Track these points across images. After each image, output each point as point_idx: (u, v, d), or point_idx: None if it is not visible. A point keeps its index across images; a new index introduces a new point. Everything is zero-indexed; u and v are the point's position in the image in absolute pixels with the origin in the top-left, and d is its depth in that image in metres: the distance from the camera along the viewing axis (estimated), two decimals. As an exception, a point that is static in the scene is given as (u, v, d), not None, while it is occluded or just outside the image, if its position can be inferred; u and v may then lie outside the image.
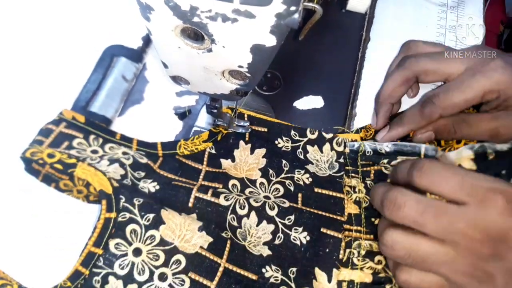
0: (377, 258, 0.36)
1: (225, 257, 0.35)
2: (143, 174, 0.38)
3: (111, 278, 0.33)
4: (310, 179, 0.40)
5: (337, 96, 0.46)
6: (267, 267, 0.36)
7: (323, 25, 0.49)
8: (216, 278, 0.34)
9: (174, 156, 0.39)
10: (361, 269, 0.36)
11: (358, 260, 0.36)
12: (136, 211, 0.35)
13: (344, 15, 0.53)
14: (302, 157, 0.41)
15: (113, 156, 0.38)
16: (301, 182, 0.40)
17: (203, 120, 0.43)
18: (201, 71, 0.29)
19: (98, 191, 0.35)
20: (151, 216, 0.35)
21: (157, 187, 0.37)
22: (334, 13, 0.52)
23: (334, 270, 0.36)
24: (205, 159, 0.40)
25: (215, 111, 0.39)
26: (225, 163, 0.40)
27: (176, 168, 0.39)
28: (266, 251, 0.36)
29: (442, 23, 0.52)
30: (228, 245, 0.36)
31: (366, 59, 0.48)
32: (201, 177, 0.39)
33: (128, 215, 0.35)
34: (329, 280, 0.35)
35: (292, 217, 0.37)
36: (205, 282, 0.34)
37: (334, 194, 0.39)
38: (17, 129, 0.39)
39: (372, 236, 0.37)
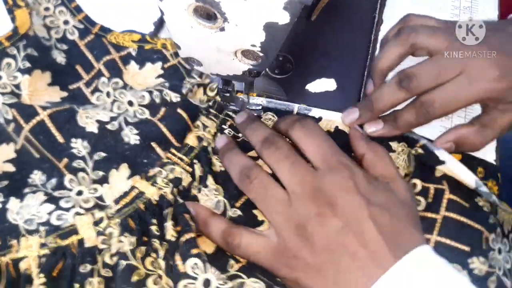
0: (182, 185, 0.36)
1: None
2: (66, 47, 0.42)
3: None
4: (178, 99, 0.39)
5: (350, 79, 0.46)
6: (78, 140, 0.37)
7: (335, 6, 0.49)
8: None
9: (101, 37, 0.42)
10: (159, 189, 0.36)
11: (162, 181, 0.36)
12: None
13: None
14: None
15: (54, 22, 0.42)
16: (168, 98, 0.39)
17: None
18: (213, 51, 0.29)
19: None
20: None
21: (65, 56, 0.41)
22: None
23: (138, 176, 0.36)
24: (123, 54, 0.42)
25: (227, 95, 0.39)
26: (133, 66, 0.41)
27: (95, 47, 0.42)
28: (95, 129, 0.37)
29: (456, 4, 0.51)
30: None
31: (379, 42, 0.47)
32: (93, 72, 0.41)
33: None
34: (128, 178, 0.36)
35: (136, 120, 0.38)
36: None
37: (189, 122, 0.39)
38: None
39: (190, 169, 0.37)
